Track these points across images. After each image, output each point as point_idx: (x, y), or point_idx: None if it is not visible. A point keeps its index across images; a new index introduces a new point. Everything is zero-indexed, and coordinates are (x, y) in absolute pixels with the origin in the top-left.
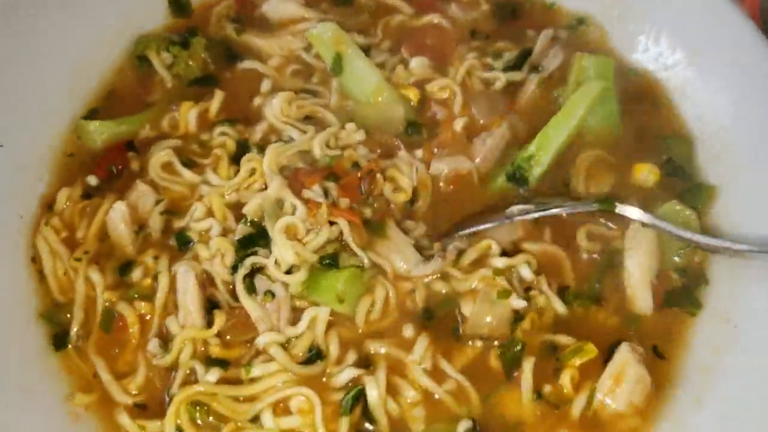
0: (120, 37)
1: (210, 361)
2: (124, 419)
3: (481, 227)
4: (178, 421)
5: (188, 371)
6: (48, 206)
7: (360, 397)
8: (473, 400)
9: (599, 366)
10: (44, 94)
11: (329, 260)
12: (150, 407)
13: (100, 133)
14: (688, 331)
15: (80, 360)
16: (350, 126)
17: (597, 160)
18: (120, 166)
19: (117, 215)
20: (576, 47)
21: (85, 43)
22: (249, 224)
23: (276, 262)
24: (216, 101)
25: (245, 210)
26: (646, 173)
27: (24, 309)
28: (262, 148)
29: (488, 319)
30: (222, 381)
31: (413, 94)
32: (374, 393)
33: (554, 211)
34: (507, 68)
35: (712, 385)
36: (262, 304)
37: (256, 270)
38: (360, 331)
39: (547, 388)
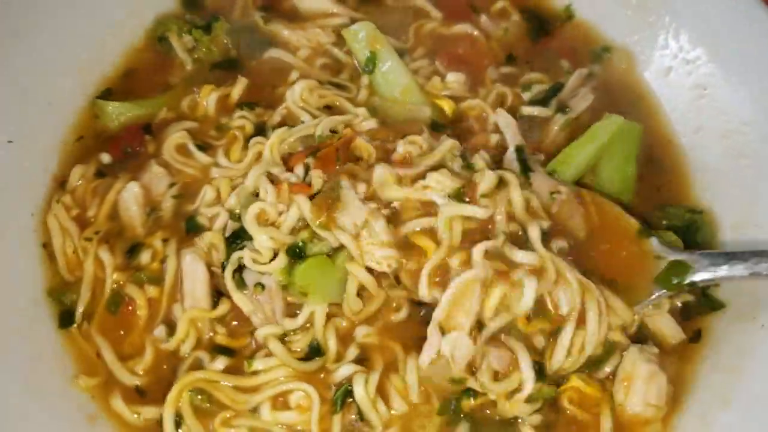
0: (139, 16)
1: (216, 349)
2: (118, 403)
3: None
4: (179, 405)
5: (195, 359)
6: (60, 184)
7: (350, 394)
8: None
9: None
10: (57, 74)
11: (297, 249)
12: (149, 393)
13: (119, 114)
14: (712, 330)
15: (84, 341)
16: (362, 111)
17: None
18: (136, 148)
19: (130, 196)
20: (606, 87)
21: (101, 21)
22: (235, 219)
23: (256, 251)
24: (239, 87)
25: (226, 206)
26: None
27: (32, 287)
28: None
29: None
30: (225, 370)
31: (447, 105)
32: (360, 390)
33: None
34: (534, 102)
35: (738, 386)
36: (253, 296)
37: (243, 265)
38: (354, 320)
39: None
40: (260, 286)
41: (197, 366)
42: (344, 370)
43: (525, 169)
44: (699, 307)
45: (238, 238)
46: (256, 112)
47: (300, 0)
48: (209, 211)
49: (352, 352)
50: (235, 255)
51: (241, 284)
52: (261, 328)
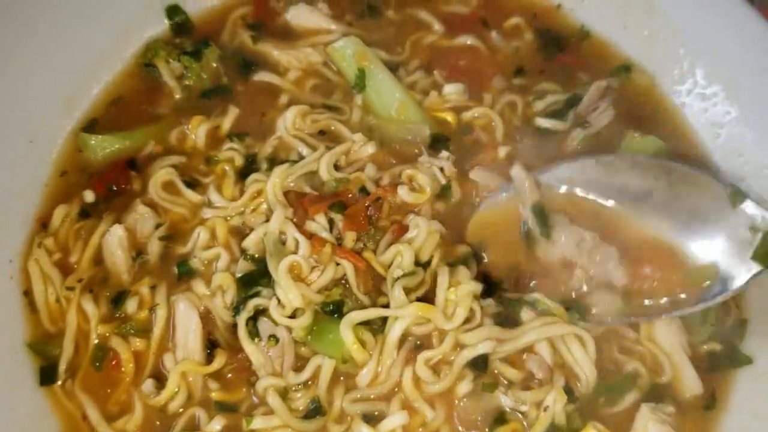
0: (127, 42)
1: (213, 405)
2: None
3: None
4: None
5: (190, 416)
6: (42, 224)
7: None
8: None
9: None
10: (39, 105)
11: (333, 309)
12: None
13: (103, 147)
14: (735, 389)
15: (68, 400)
16: (358, 137)
17: None
18: (122, 185)
19: (114, 240)
20: (626, 103)
21: (87, 48)
22: (249, 260)
23: (279, 304)
24: (229, 118)
25: (245, 244)
26: None
27: (11, 339)
28: (270, 162)
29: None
30: (225, 429)
31: (450, 117)
32: None
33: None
34: (549, 113)
35: None
36: (265, 349)
37: (259, 312)
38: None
39: None
40: (274, 338)
41: (192, 425)
42: None
43: (544, 226)
44: (725, 359)
45: (253, 283)
46: (246, 143)
47: (292, 16)
48: (205, 254)
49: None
50: (252, 302)
51: (254, 334)
52: (263, 378)
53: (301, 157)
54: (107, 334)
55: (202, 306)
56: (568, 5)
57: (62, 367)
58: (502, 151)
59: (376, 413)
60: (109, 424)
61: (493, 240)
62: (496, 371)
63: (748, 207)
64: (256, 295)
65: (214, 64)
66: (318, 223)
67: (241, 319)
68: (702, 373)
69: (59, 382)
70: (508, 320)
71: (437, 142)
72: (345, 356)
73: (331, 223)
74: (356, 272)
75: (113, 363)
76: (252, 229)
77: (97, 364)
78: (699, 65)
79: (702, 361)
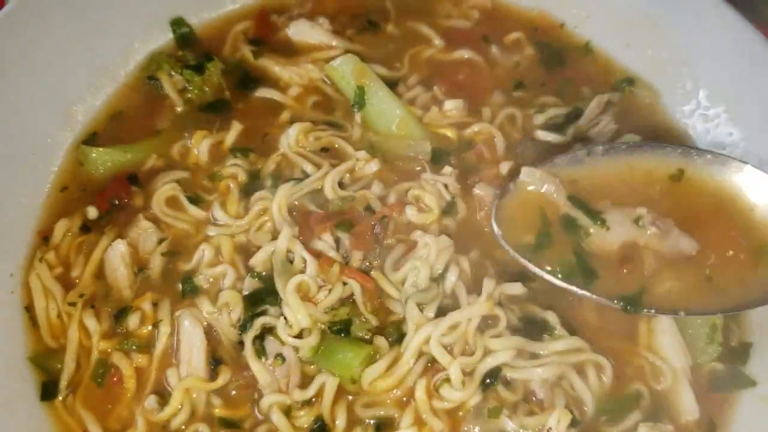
0: (130, 54)
1: (216, 422)
2: None
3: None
4: None
5: None
6: (44, 238)
7: None
8: None
9: None
10: (41, 118)
11: (341, 328)
12: None
13: (104, 161)
14: (736, 410)
15: (69, 415)
16: (362, 155)
17: None
18: (124, 200)
19: (116, 255)
20: (627, 117)
21: (89, 59)
22: (257, 277)
23: (287, 323)
24: (232, 133)
25: (252, 262)
26: None
27: (12, 354)
28: (275, 179)
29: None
30: None
31: (451, 133)
32: None
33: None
34: (549, 127)
35: None
36: (271, 368)
37: (266, 330)
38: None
39: None
40: (281, 357)
41: None
42: None
43: (595, 217)
44: (727, 380)
45: (260, 301)
46: (250, 159)
47: (293, 32)
48: (211, 271)
49: None
50: (260, 321)
51: (260, 352)
52: (267, 395)
53: (306, 175)
54: (109, 350)
55: (205, 322)
56: (571, 22)
57: (63, 382)
58: (504, 167)
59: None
60: None
61: (527, 239)
62: (498, 387)
63: None
64: (263, 313)
65: (217, 78)
66: (325, 242)
67: (248, 338)
68: (703, 394)
69: (60, 398)
70: (534, 329)
71: (439, 158)
72: (354, 377)
73: (337, 241)
74: (363, 291)
75: (115, 379)
76: (258, 248)
77: (99, 379)
78: (702, 86)
79: (703, 382)
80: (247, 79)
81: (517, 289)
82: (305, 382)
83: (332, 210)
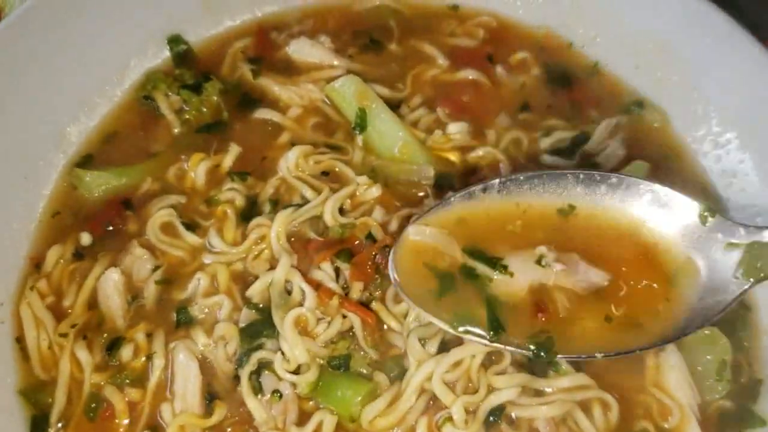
0: (126, 74)
1: None
2: None
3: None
4: None
5: None
6: (35, 265)
7: None
8: None
9: None
10: (34, 140)
11: (340, 363)
12: None
13: (98, 184)
14: None
15: None
16: (363, 180)
17: None
18: (118, 225)
19: (110, 284)
20: (637, 141)
21: (84, 78)
22: (253, 309)
23: (284, 357)
24: (230, 156)
25: (249, 293)
26: None
27: (2, 387)
28: (273, 204)
29: None
30: None
31: (455, 157)
32: None
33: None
34: (555, 151)
35: None
36: (267, 405)
37: (263, 365)
38: None
39: None
40: (278, 394)
41: None
42: None
43: (495, 265)
44: (736, 419)
45: (257, 334)
46: (248, 183)
47: (293, 50)
48: (206, 302)
49: None
50: (256, 356)
51: (257, 389)
52: None
53: (305, 200)
54: (101, 383)
55: (200, 354)
56: (579, 43)
57: (54, 417)
58: None
59: None
60: None
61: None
62: (502, 426)
63: (721, 223)
64: (260, 347)
65: (215, 98)
66: (324, 272)
67: (244, 374)
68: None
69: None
70: (539, 365)
71: (442, 183)
72: (353, 415)
73: (337, 271)
74: (363, 325)
75: (107, 414)
76: (256, 277)
77: (91, 414)
78: (713, 110)
79: (712, 420)
80: (245, 100)
81: None
82: (303, 419)
83: (332, 237)
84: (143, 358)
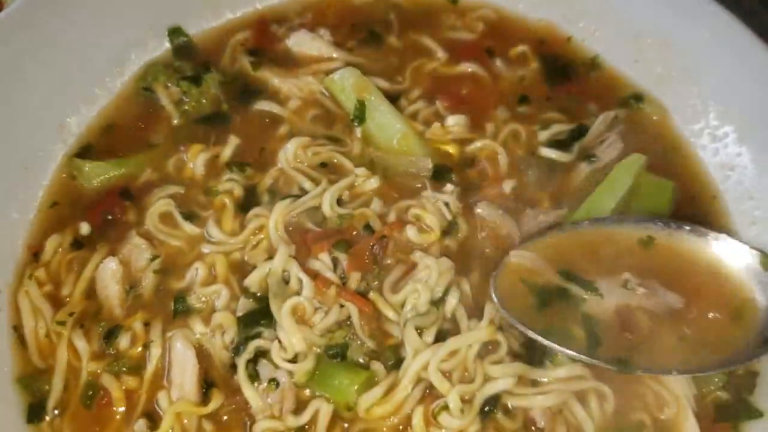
0: (125, 65)
1: None
2: None
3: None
4: None
5: None
6: (34, 254)
7: None
8: None
9: None
10: (34, 130)
11: (337, 352)
12: None
13: (97, 174)
14: None
15: None
16: (361, 171)
17: None
18: (117, 215)
19: (108, 273)
20: (635, 134)
21: (84, 69)
22: (251, 298)
23: (281, 346)
24: (229, 148)
25: (247, 282)
26: None
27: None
28: (271, 195)
29: None
30: None
31: (453, 149)
32: None
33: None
34: (553, 144)
35: None
36: (264, 393)
37: (260, 354)
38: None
39: None
40: (274, 382)
41: None
42: None
43: (588, 286)
44: (733, 411)
45: (254, 323)
46: (247, 174)
47: (293, 43)
48: (204, 291)
49: None
50: (253, 344)
51: (254, 377)
52: (260, 421)
53: (303, 191)
54: (98, 372)
55: (197, 343)
56: (578, 36)
57: (51, 404)
58: (508, 185)
59: None
60: None
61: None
62: (498, 415)
63: None
64: (257, 336)
65: (214, 90)
66: (322, 262)
67: (241, 362)
68: (708, 424)
69: (47, 420)
70: (535, 354)
71: (440, 175)
72: (350, 403)
73: (335, 261)
74: (360, 315)
75: (104, 401)
76: (254, 266)
77: (87, 402)
78: (711, 105)
79: (708, 411)
80: (245, 91)
81: None
82: (299, 407)
83: (330, 228)
84: (140, 347)
